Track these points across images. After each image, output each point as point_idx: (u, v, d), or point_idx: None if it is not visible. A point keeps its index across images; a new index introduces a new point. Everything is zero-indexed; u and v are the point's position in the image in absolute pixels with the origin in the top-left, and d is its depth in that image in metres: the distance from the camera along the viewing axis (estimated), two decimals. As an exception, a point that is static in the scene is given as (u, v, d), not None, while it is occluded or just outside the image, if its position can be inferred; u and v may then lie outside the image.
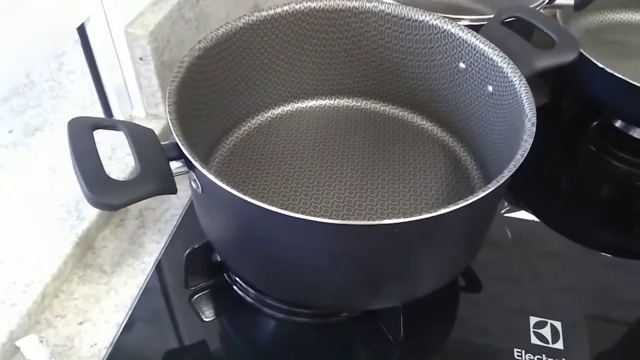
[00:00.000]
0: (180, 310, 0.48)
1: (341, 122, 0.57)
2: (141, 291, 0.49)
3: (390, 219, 0.32)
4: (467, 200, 0.33)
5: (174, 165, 0.37)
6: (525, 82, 0.42)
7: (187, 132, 0.39)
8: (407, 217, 0.32)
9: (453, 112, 0.53)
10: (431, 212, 0.33)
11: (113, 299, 0.49)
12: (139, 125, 0.39)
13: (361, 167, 0.52)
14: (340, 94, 0.58)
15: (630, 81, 0.54)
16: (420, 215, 0.33)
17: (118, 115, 0.61)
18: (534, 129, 0.38)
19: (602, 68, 0.56)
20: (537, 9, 0.57)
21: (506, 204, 0.57)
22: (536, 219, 0.56)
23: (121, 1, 0.55)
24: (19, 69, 0.48)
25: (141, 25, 0.56)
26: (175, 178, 0.37)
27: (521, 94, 0.42)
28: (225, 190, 0.33)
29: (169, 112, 0.38)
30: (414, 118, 0.56)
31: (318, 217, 0.32)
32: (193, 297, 0.48)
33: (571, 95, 0.69)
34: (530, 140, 0.37)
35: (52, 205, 0.52)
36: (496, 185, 0.34)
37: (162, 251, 0.52)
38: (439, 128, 0.55)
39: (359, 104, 0.58)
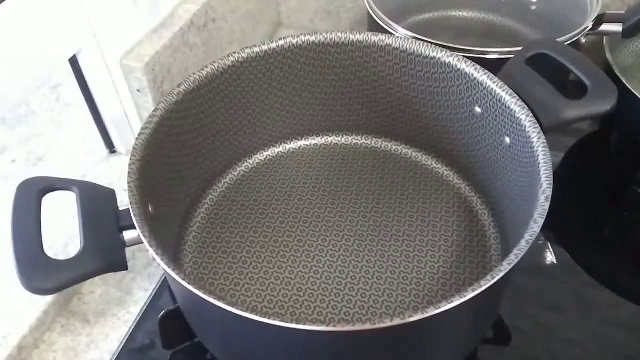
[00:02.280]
0: (161, 368, 0.45)
1: (346, 160, 0.52)
2: (121, 346, 0.46)
3: (375, 321, 0.27)
4: (463, 297, 0.28)
5: (131, 235, 0.34)
6: (544, 141, 0.35)
7: (159, 187, 0.36)
8: (391, 321, 0.27)
9: (470, 158, 0.46)
10: (423, 313, 0.28)
11: (93, 354, 0.46)
12: (99, 185, 0.35)
13: (363, 218, 0.47)
14: (345, 130, 0.53)
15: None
16: (408, 318, 0.27)
17: (120, 147, 0.59)
18: (547, 206, 0.32)
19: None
20: (578, 37, 0.49)
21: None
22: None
23: (115, 32, 0.52)
24: (8, 98, 0.46)
25: (137, 57, 0.53)
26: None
27: (539, 155, 0.35)
28: (172, 277, 0.29)
29: (128, 173, 0.35)
30: (427, 160, 0.50)
31: (290, 312, 0.27)
32: (173, 358, 0.45)
33: (619, 131, 0.60)
34: (541, 221, 0.31)
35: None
36: (490, 283, 0.28)
37: (149, 300, 0.49)
38: (455, 174, 0.49)
39: (365, 141, 0.52)
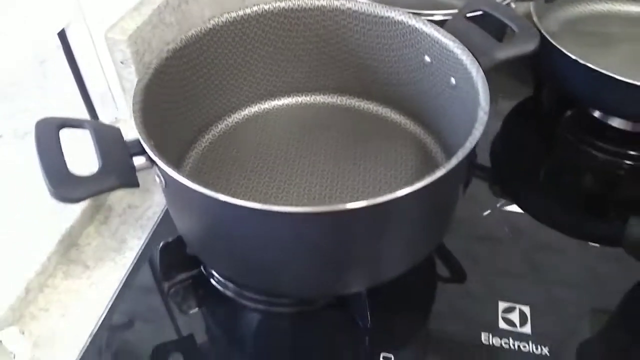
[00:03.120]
0: (159, 304, 0.50)
1: (315, 117, 0.58)
2: (121, 284, 0.51)
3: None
4: (417, 185, 0.35)
5: (139, 160, 0.39)
6: (483, 75, 0.43)
7: (156, 130, 0.41)
8: (361, 202, 0.33)
9: (423, 104, 0.54)
10: (381, 197, 0.34)
11: (95, 293, 0.51)
12: (105, 124, 0.41)
13: (333, 160, 0.53)
14: (314, 90, 0.59)
15: (603, 71, 0.55)
16: (374, 199, 0.34)
17: (103, 117, 0.64)
18: (485, 118, 0.39)
19: (576, 60, 0.56)
20: (508, 2, 0.58)
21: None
22: (521, 211, 0.56)
23: (101, 7, 0.57)
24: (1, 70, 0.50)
25: (121, 30, 0.58)
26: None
27: (478, 84, 0.43)
28: (181, 183, 0.35)
29: (133, 110, 0.40)
30: (386, 112, 0.58)
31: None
32: (171, 290, 0.50)
33: (550, 88, 0.69)
34: (481, 129, 0.38)
35: (38, 204, 0.54)
36: (443, 172, 0.35)
37: (143, 246, 0.54)
38: (410, 121, 0.56)
39: (331, 99, 0.59)
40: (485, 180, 0.61)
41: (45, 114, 0.64)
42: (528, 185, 0.61)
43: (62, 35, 0.56)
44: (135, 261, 0.52)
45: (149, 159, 0.38)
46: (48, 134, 0.37)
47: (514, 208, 0.57)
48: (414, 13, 0.53)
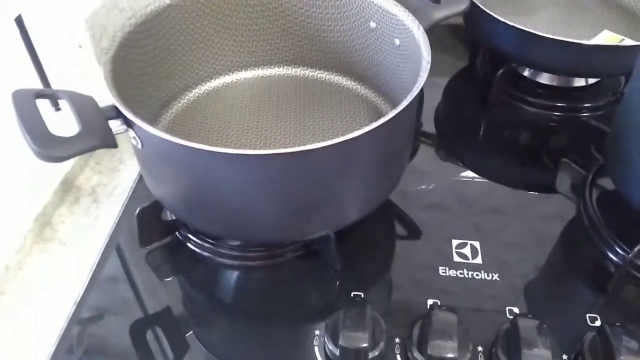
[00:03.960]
0: (138, 270, 0.52)
1: (274, 89, 0.62)
2: (99, 256, 0.53)
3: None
4: (370, 126, 0.39)
5: (114, 124, 0.42)
6: (423, 31, 0.48)
7: (124, 99, 0.43)
8: (321, 143, 0.37)
9: (371, 68, 0.59)
10: (340, 138, 0.38)
11: (73, 267, 0.52)
12: (79, 93, 0.43)
13: (293, 127, 0.57)
14: (270, 63, 0.63)
15: (528, 30, 0.61)
16: (333, 140, 0.38)
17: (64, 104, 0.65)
18: (428, 66, 0.44)
19: (504, 21, 0.62)
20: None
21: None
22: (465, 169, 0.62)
23: (55, -7, 0.58)
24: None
25: (77, 15, 0.60)
26: (120, 147, 0.41)
27: (419, 41, 0.47)
28: (157, 136, 0.38)
29: (104, 77, 0.42)
30: (339, 79, 0.62)
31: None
32: (149, 256, 0.52)
33: (483, 54, 0.75)
34: (425, 75, 0.43)
35: (11, 185, 0.55)
36: (395, 113, 0.40)
37: (117, 220, 0.56)
38: (361, 85, 0.61)
39: (288, 71, 0.63)
40: (431, 146, 0.67)
41: (1, 104, 0.65)
42: (470, 146, 0.66)
43: (19, 21, 0.58)
44: (110, 234, 0.54)
45: (125, 121, 0.41)
46: (26, 101, 0.39)
47: (462, 173, 0.62)
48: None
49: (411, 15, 0.50)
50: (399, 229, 0.56)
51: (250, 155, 0.37)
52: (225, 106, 0.60)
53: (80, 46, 0.61)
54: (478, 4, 0.64)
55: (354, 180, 0.44)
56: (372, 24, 0.55)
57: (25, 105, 0.39)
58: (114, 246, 0.53)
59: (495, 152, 0.65)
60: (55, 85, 0.63)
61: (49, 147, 0.36)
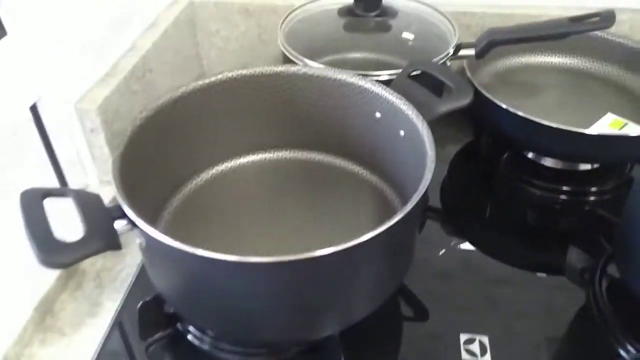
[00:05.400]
0: (139, 363, 0.51)
1: (281, 172, 0.62)
2: (99, 347, 0.52)
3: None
4: (377, 230, 0.39)
5: (120, 224, 0.42)
6: (427, 126, 0.49)
7: (133, 193, 0.44)
8: (328, 249, 0.37)
9: (378, 155, 0.59)
10: (346, 243, 0.38)
11: (74, 359, 0.51)
12: (86, 191, 0.43)
13: (299, 212, 0.57)
14: (277, 147, 0.64)
15: (531, 117, 0.61)
16: (340, 246, 0.38)
17: (72, 184, 0.66)
18: (433, 165, 0.44)
19: (506, 108, 0.63)
20: (444, 61, 0.65)
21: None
22: (473, 247, 0.61)
23: (70, 81, 0.60)
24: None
25: (90, 101, 0.61)
26: (124, 238, 0.41)
27: (424, 136, 0.48)
28: (160, 241, 0.38)
29: (113, 177, 0.43)
30: (346, 164, 0.63)
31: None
32: (149, 348, 0.51)
33: (488, 134, 0.76)
34: (430, 175, 0.43)
35: (12, 271, 0.55)
36: (400, 216, 0.40)
37: (119, 308, 0.55)
38: (367, 170, 0.61)
39: (296, 155, 0.64)
40: (437, 221, 0.66)
41: (15, 182, 0.66)
42: (476, 223, 0.66)
43: (33, 108, 0.59)
44: (111, 324, 0.54)
45: (130, 222, 0.41)
46: (33, 203, 0.39)
47: (467, 246, 0.62)
48: (362, 74, 0.59)
49: (415, 110, 0.51)
50: (405, 308, 0.55)
51: (252, 263, 0.37)
52: (232, 190, 0.60)
53: (92, 130, 0.63)
54: (480, 89, 0.65)
55: (361, 279, 0.43)
56: (378, 114, 0.56)
57: (32, 207, 0.39)
58: (114, 338, 0.52)
59: (501, 231, 0.65)
60: (66, 169, 0.64)
61: (52, 254, 0.37)
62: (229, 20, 0.85)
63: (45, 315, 0.55)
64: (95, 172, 0.66)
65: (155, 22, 0.76)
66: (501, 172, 0.68)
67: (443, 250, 0.61)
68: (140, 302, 0.49)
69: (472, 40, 0.68)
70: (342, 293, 0.43)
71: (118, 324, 0.54)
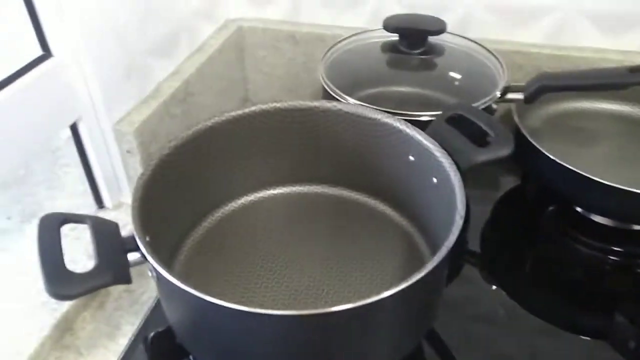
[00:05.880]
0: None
1: (307, 207, 0.61)
2: (112, 373, 0.52)
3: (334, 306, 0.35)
4: (396, 288, 0.37)
5: (134, 256, 0.41)
6: (460, 178, 0.46)
7: (154, 222, 0.44)
8: (345, 305, 0.36)
9: (409, 198, 0.57)
10: (358, 302, 0.36)
11: (85, 381, 0.51)
12: (105, 219, 0.43)
13: (323, 250, 0.56)
14: (306, 181, 0.62)
15: (582, 172, 0.57)
16: (357, 302, 0.36)
17: (108, 202, 0.67)
18: (461, 222, 0.42)
19: (554, 160, 0.59)
20: (489, 104, 0.62)
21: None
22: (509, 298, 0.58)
23: (111, 103, 0.61)
24: (15, 159, 0.54)
25: (128, 123, 0.63)
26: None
27: (455, 187, 0.45)
28: (171, 282, 0.37)
29: (132, 207, 0.43)
30: (375, 203, 0.60)
31: (263, 308, 0.35)
32: (160, 379, 0.51)
33: (534, 182, 0.72)
34: (457, 232, 0.41)
35: (36, 287, 0.56)
36: (422, 275, 0.37)
37: (135, 333, 0.55)
38: (397, 213, 0.59)
39: (324, 190, 0.62)
40: (475, 266, 0.63)
41: (52, 199, 0.68)
42: (515, 274, 0.62)
43: (73, 127, 0.61)
44: (126, 350, 0.53)
45: (144, 256, 0.41)
46: (50, 230, 0.40)
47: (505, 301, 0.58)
48: (400, 113, 0.57)
49: (449, 158, 0.48)
50: (429, 353, 0.52)
51: (261, 314, 0.36)
52: (256, 223, 0.59)
53: (128, 151, 0.64)
54: (527, 136, 0.61)
55: (381, 334, 0.41)
56: (411, 157, 0.54)
57: (48, 234, 0.39)
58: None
59: (542, 286, 0.60)
60: (101, 187, 0.65)
61: (60, 285, 0.37)
62: (276, 47, 0.85)
63: (64, 333, 0.55)
64: (130, 191, 0.67)
65: (201, 47, 0.77)
66: (546, 223, 0.64)
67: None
68: (152, 333, 0.48)
69: (524, 80, 0.65)
70: (358, 347, 0.41)
71: (132, 350, 0.53)
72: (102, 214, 0.66)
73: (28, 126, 0.54)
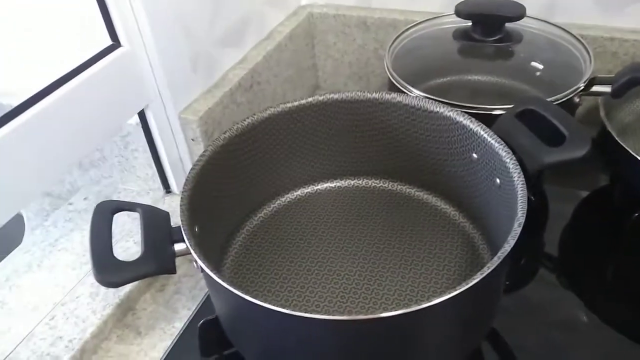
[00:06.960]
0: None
1: (363, 201, 0.59)
2: (166, 354, 0.53)
3: (386, 311, 0.34)
4: (449, 293, 0.34)
5: (181, 246, 0.42)
6: (523, 180, 0.42)
7: (204, 214, 0.44)
8: (395, 311, 0.34)
9: (470, 198, 0.53)
10: (411, 308, 0.34)
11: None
12: (157, 208, 0.44)
13: (377, 247, 0.54)
14: (362, 174, 0.60)
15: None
16: (408, 308, 0.34)
17: (174, 187, 0.69)
18: (519, 230, 0.38)
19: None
20: (571, 97, 0.56)
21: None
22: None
23: (177, 91, 0.63)
24: (89, 143, 0.57)
25: (193, 111, 0.64)
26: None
27: (517, 191, 0.41)
28: (207, 273, 0.37)
29: (181, 198, 0.43)
30: (434, 200, 0.57)
31: (310, 311, 0.34)
32: (209, 366, 0.52)
33: (622, 184, 0.65)
34: (512, 242, 0.37)
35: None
36: (474, 282, 0.35)
37: (191, 318, 0.56)
38: (458, 212, 0.56)
39: (382, 184, 0.60)
40: (552, 271, 0.58)
41: (125, 181, 0.72)
42: (594, 284, 0.57)
43: (141, 114, 0.63)
44: (180, 333, 0.55)
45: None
46: (102, 218, 0.41)
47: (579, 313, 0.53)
48: (469, 107, 0.53)
49: (514, 159, 0.44)
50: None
51: (305, 318, 0.35)
52: (309, 217, 0.58)
53: (193, 139, 0.65)
54: (613, 134, 0.55)
55: (433, 339, 0.39)
56: (474, 155, 0.50)
57: (100, 222, 0.41)
58: (180, 348, 0.54)
59: (622, 298, 0.55)
60: (167, 171, 0.67)
61: (106, 272, 0.38)
62: (347, 34, 0.83)
63: (127, 312, 0.58)
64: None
65: (270, 35, 0.77)
66: (632, 231, 0.57)
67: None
68: (202, 320, 0.49)
69: (612, 75, 0.58)
70: (416, 351, 0.39)
71: (186, 335, 0.55)
72: (168, 199, 0.69)
73: (101, 111, 0.56)
